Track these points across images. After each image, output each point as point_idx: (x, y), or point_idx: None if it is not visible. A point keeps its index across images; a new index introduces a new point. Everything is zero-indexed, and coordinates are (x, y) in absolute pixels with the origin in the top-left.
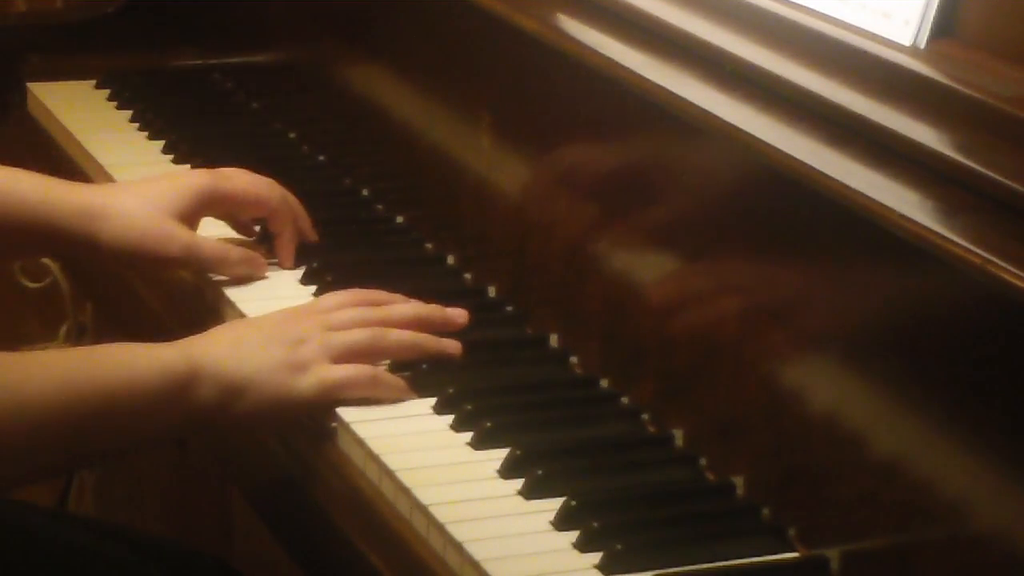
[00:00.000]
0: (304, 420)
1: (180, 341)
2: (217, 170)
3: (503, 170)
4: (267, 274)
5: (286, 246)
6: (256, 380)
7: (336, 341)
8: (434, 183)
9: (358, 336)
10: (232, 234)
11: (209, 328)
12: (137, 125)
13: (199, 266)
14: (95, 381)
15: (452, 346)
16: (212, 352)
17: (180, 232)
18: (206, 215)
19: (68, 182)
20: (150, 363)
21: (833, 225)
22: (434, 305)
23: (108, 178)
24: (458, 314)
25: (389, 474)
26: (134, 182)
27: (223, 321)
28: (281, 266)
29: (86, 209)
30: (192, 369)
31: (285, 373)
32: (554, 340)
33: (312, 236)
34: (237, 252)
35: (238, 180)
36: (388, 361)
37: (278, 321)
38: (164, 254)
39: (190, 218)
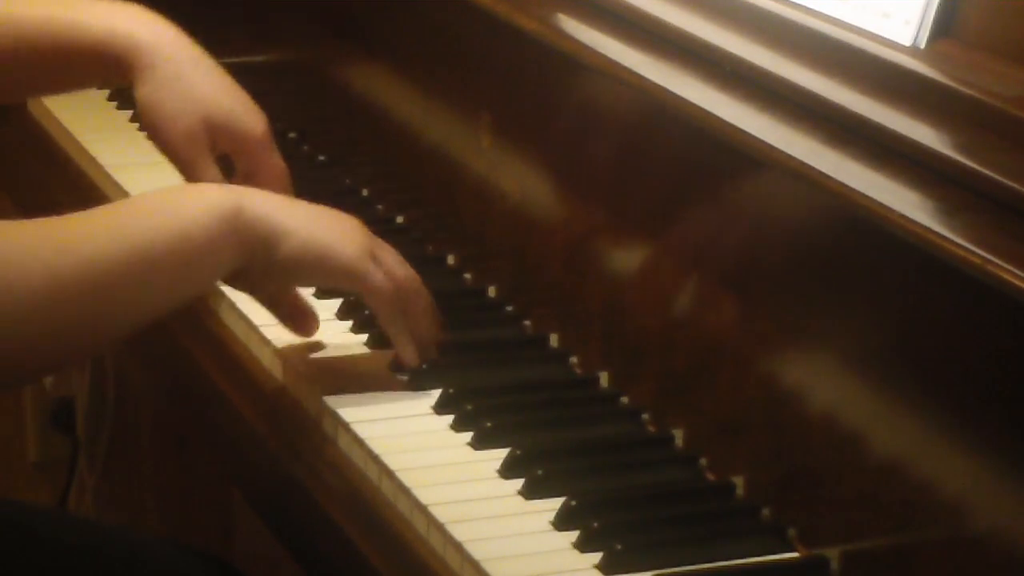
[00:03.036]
0: (304, 419)
1: (224, 184)
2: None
3: (503, 170)
4: None
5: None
6: (302, 226)
7: (384, 254)
8: (434, 183)
9: (402, 270)
10: None
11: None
12: (137, 125)
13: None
14: (152, 231)
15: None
16: (262, 195)
17: (199, 145)
18: (227, 152)
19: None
20: (201, 202)
21: (833, 225)
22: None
23: (108, 178)
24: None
25: (389, 474)
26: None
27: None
28: None
29: (132, 44)
30: (241, 203)
31: (331, 234)
32: (554, 340)
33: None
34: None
35: (270, 153)
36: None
37: (334, 214)
38: (172, 146)
39: (216, 144)
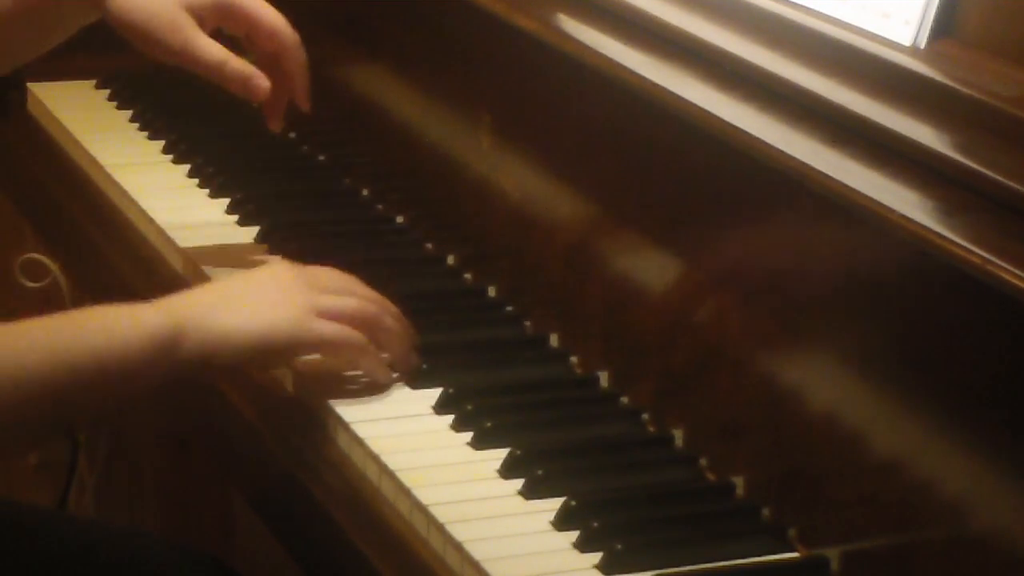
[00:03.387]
0: (304, 420)
1: (162, 300)
2: None
3: (503, 170)
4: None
5: (279, 98)
6: (240, 328)
7: (326, 301)
8: (434, 183)
9: (351, 303)
10: (228, 237)
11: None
12: (137, 125)
13: (192, 67)
14: (82, 349)
15: (385, 377)
16: (195, 310)
17: (187, 26)
18: (220, 25)
19: None
20: (134, 326)
21: (833, 225)
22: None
23: (108, 178)
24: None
25: (389, 474)
26: None
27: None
28: (268, 120)
29: None
30: (176, 328)
31: (269, 312)
32: (554, 340)
33: (304, 100)
34: (236, 63)
35: (259, 3)
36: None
37: (265, 280)
38: (164, 42)
39: (204, 20)
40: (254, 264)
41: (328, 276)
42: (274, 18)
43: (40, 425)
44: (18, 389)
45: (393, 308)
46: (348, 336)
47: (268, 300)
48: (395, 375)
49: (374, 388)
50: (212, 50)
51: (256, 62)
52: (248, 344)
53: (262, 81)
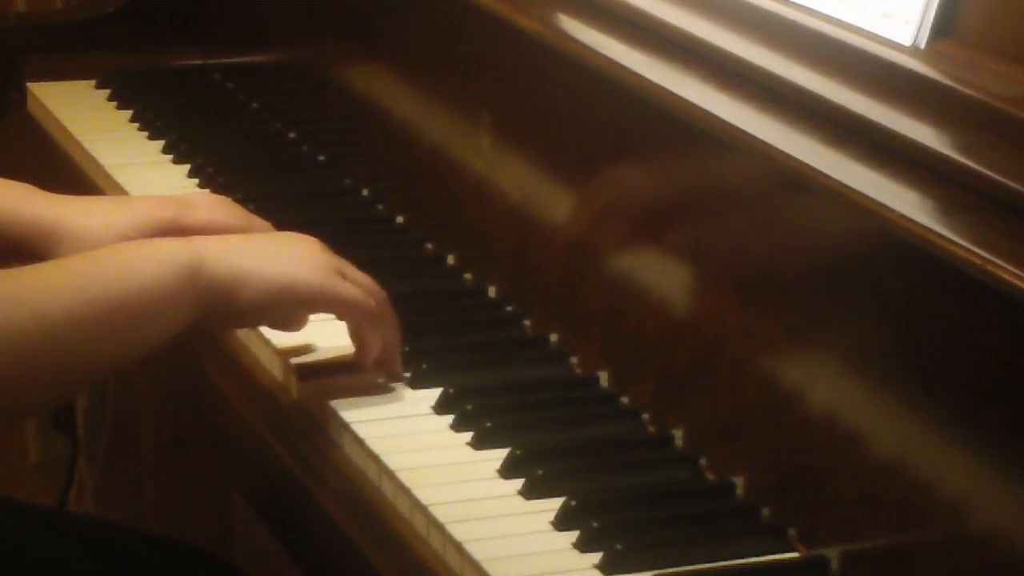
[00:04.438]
0: (304, 419)
1: (184, 237)
2: (181, 200)
3: (503, 170)
4: None
5: None
6: (262, 267)
7: (348, 269)
8: (434, 183)
9: (369, 280)
10: None
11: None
12: (137, 125)
13: None
14: (109, 288)
15: (398, 374)
16: (221, 245)
17: None
18: None
19: (38, 193)
20: (158, 259)
21: (833, 225)
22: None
23: (108, 178)
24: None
25: (389, 474)
26: (100, 200)
27: None
28: None
29: (47, 226)
30: (198, 256)
31: (292, 265)
32: (554, 340)
33: None
34: None
35: (201, 212)
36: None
37: (293, 238)
38: None
39: None
40: None
41: (346, 261)
42: (218, 219)
43: (75, 366)
44: (51, 330)
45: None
46: (366, 302)
47: (295, 253)
48: (390, 382)
49: (374, 388)
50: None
51: None
52: (272, 286)
53: None
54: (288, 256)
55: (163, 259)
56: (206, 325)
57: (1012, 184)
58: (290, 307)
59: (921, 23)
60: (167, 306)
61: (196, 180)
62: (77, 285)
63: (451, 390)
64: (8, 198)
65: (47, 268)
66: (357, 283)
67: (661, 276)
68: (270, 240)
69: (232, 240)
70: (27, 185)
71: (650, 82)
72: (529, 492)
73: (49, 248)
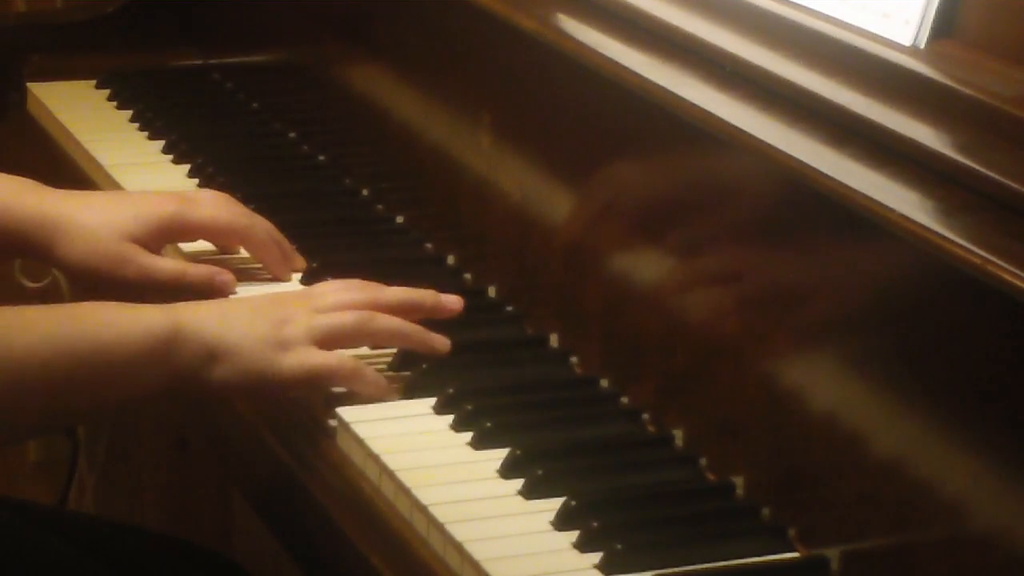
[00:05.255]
0: (304, 419)
1: (165, 304)
2: (186, 195)
3: (503, 170)
4: (236, 289)
5: (275, 267)
6: (237, 349)
7: (321, 323)
8: (434, 183)
9: (344, 319)
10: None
11: None
12: (137, 125)
13: (156, 289)
14: (80, 338)
15: (439, 341)
16: (197, 316)
17: (136, 255)
18: (171, 242)
19: (40, 187)
20: (135, 322)
21: (833, 225)
22: (429, 291)
23: (108, 178)
24: (453, 300)
25: (389, 474)
26: (101, 195)
27: None
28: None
29: (47, 221)
30: (176, 329)
31: (267, 348)
32: (554, 340)
33: (299, 263)
34: (195, 269)
35: (205, 209)
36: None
37: (267, 300)
38: (119, 276)
39: (151, 244)
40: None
41: (321, 286)
42: (223, 217)
43: (36, 413)
44: (12, 373)
45: (391, 291)
46: (339, 367)
47: (267, 334)
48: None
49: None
50: (167, 267)
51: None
52: (242, 372)
53: (225, 275)
54: (263, 333)
55: (140, 323)
56: (180, 396)
57: (1012, 184)
58: (266, 396)
59: (921, 23)
60: (133, 369)
61: (196, 180)
62: (50, 331)
63: (451, 390)
64: (9, 192)
65: (27, 310)
66: (335, 329)
67: (661, 276)
68: (254, 309)
69: (214, 311)
70: (28, 179)
71: (650, 82)
72: (529, 492)
73: (49, 242)
